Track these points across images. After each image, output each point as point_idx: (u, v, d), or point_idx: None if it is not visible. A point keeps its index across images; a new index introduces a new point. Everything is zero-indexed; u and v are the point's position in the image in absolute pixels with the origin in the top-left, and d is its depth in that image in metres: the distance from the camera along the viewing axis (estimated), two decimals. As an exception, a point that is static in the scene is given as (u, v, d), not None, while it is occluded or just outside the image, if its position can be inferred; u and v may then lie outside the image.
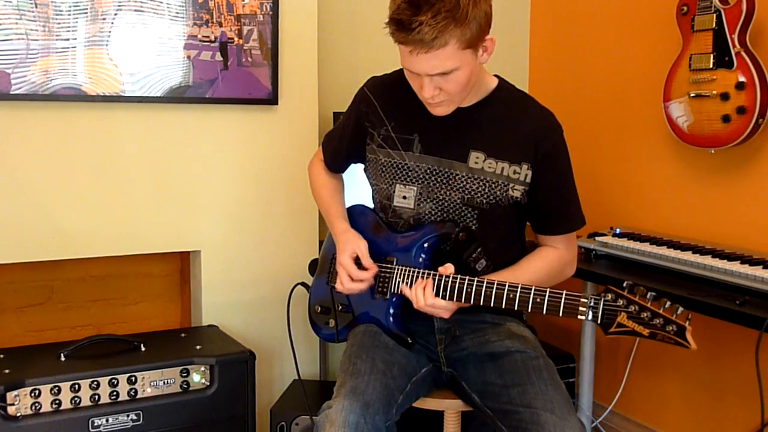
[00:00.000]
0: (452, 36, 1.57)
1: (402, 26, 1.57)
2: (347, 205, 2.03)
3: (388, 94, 1.85)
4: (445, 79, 1.65)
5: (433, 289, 1.72)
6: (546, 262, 1.85)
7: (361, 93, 1.92)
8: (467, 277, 1.69)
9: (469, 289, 1.68)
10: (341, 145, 2.00)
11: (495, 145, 1.79)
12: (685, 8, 2.40)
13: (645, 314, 1.50)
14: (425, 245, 1.80)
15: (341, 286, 1.84)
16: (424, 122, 1.79)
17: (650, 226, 2.73)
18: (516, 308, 1.64)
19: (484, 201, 1.79)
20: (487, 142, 1.79)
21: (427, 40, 1.56)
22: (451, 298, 1.71)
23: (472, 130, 1.79)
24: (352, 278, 1.81)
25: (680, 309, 1.48)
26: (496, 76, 1.86)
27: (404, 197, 1.85)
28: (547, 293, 1.61)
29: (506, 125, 1.80)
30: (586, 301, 1.56)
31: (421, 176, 1.82)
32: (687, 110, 2.43)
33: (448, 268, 1.72)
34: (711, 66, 2.33)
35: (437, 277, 1.72)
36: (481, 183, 1.79)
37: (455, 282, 1.70)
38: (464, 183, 1.80)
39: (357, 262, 1.83)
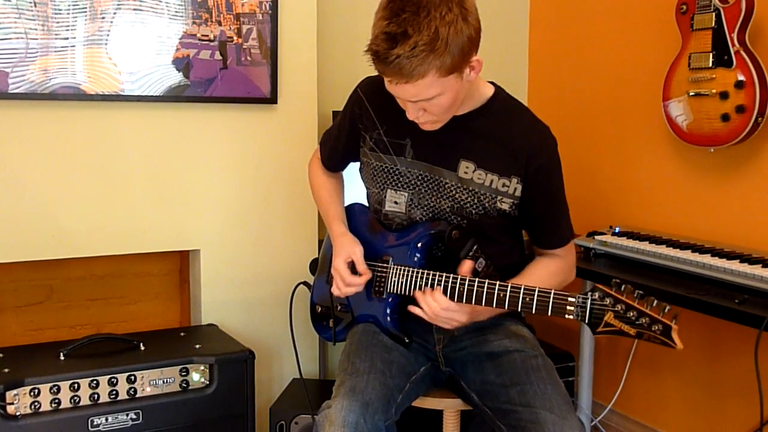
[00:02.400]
0: (431, 67, 1.53)
1: (378, 58, 1.55)
2: (346, 203, 2.03)
3: (382, 97, 1.79)
4: (428, 103, 1.63)
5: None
6: (549, 271, 1.83)
7: (355, 94, 1.90)
8: (459, 276, 1.68)
9: (461, 288, 1.67)
10: (338, 146, 1.99)
11: (485, 156, 1.76)
12: (684, 7, 2.40)
13: (631, 313, 1.48)
14: (419, 244, 1.80)
15: (337, 290, 1.85)
16: (417, 127, 1.76)
17: (649, 225, 2.73)
18: (506, 308, 1.64)
19: (473, 211, 1.78)
20: (477, 152, 1.77)
21: (405, 73, 1.54)
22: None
23: (464, 139, 1.77)
24: (345, 283, 1.82)
25: (667, 308, 1.47)
26: (491, 83, 1.82)
27: (395, 202, 1.84)
28: (536, 293, 1.60)
29: (498, 137, 1.77)
30: (573, 300, 1.55)
31: (412, 182, 1.81)
32: (686, 109, 2.43)
33: (465, 266, 1.71)
34: (710, 65, 2.32)
35: (430, 276, 1.72)
36: (470, 193, 1.77)
37: (447, 281, 1.69)
38: (453, 192, 1.78)
39: (353, 266, 1.83)
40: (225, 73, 2.47)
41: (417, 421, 2.14)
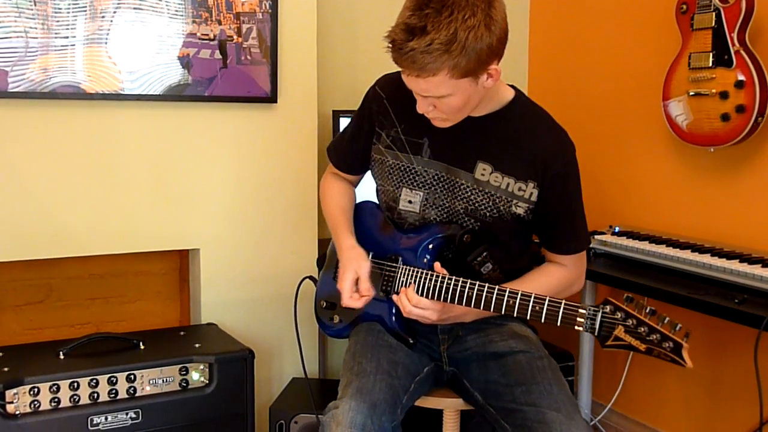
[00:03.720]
0: (443, 66, 1.54)
1: (394, 46, 1.55)
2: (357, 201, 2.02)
3: (401, 96, 1.78)
4: (438, 100, 1.63)
5: (435, 291, 1.71)
6: (550, 280, 1.83)
7: (373, 91, 1.89)
8: (469, 281, 1.68)
9: (470, 293, 1.67)
10: (354, 143, 1.95)
11: (503, 159, 1.76)
12: (684, 7, 2.40)
13: (642, 329, 1.48)
14: (430, 246, 1.80)
15: (343, 302, 1.84)
16: (435, 127, 1.75)
17: (649, 225, 2.73)
18: (515, 315, 1.63)
19: (488, 214, 1.78)
20: (495, 154, 1.76)
21: (416, 67, 1.54)
22: (452, 302, 1.70)
23: (482, 141, 1.77)
24: (350, 297, 1.81)
25: (679, 326, 1.47)
26: (512, 86, 1.82)
27: (410, 201, 1.83)
28: (546, 302, 1.59)
29: (517, 141, 1.76)
30: (584, 312, 1.55)
31: (428, 182, 1.81)
32: (686, 109, 2.43)
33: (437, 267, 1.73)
34: (710, 64, 2.33)
35: (440, 278, 1.71)
36: (485, 196, 1.77)
37: (456, 285, 1.69)
38: (469, 193, 1.78)
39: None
40: (225, 72, 2.47)
41: (416, 421, 2.14)
